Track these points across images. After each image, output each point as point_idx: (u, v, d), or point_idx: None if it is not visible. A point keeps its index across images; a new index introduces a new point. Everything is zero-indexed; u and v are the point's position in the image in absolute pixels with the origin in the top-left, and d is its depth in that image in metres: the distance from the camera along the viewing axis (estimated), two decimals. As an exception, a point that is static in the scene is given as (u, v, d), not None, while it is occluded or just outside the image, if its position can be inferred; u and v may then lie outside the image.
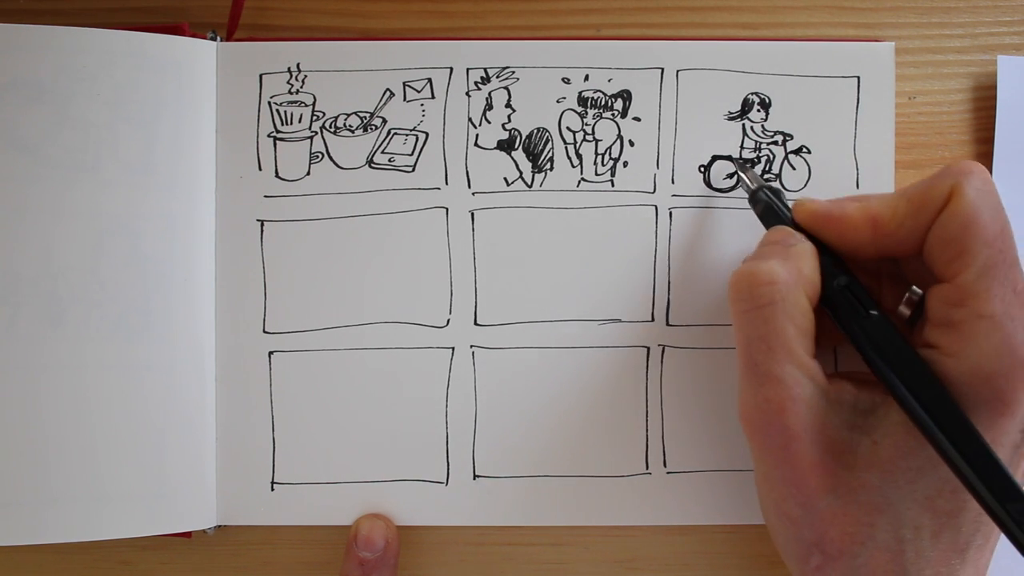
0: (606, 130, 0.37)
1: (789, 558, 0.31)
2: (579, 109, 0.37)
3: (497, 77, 0.37)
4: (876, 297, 0.33)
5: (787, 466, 0.29)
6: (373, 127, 0.37)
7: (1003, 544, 0.28)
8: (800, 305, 0.29)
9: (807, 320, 0.29)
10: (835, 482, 0.29)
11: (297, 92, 0.37)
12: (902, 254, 0.30)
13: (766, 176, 0.37)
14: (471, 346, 0.37)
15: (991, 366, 0.27)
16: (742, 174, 0.35)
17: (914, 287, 0.30)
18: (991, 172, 0.37)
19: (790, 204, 0.33)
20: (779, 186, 0.36)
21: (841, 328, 0.30)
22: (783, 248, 0.30)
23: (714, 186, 0.37)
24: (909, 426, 0.28)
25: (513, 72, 0.37)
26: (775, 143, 0.37)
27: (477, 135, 0.37)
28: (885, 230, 0.30)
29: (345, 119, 0.37)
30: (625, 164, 0.37)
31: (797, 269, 0.29)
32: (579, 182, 0.37)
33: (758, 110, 0.37)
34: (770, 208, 0.33)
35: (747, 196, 0.35)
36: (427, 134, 0.37)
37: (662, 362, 0.37)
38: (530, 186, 0.37)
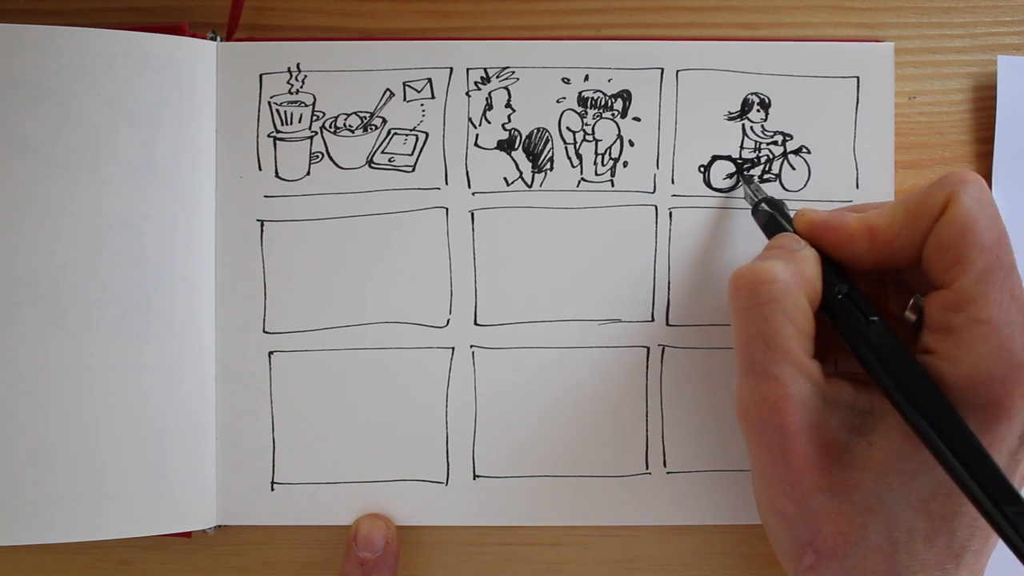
0: (606, 130, 0.37)
1: (783, 556, 0.31)
2: (579, 109, 0.37)
3: (497, 77, 0.37)
4: (882, 304, 0.33)
5: (782, 464, 0.29)
6: (373, 127, 0.37)
7: (1000, 549, 0.28)
8: (800, 305, 0.29)
9: (806, 321, 0.29)
10: (829, 481, 0.29)
11: (297, 92, 0.37)
12: (901, 263, 0.30)
13: (766, 176, 0.37)
14: (471, 346, 0.37)
15: (988, 371, 0.27)
16: (746, 186, 0.35)
17: (918, 295, 0.30)
18: (991, 172, 0.37)
19: (791, 215, 0.33)
20: (781, 198, 0.36)
21: (840, 335, 0.30)
22: (787, 252, 0.31)
23: (714, 186, 0.37)
24: (905, 429, 0.28)
25: (513, 72, 0.37)
26: (775, 143, 0.37)
27: (477, 135, 0.37)
28: (883, 239, 0.30)
29: (345, 119, 0.37)
30: (625, 164, 0.37)
31: (799, 271, 0.29)
32: (579, 182, 0.37)
33: (758, 110, 0.37)
34: (773, 219, 0.33)
35: (750, 207, 0.35)
36: (427, 134, 0.37)
37: (662, 362, 0.37)
38: (530, 186, 0.37)
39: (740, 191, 0.36)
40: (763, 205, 0.34)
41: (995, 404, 0.27)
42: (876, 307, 0.30)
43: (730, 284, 0.30)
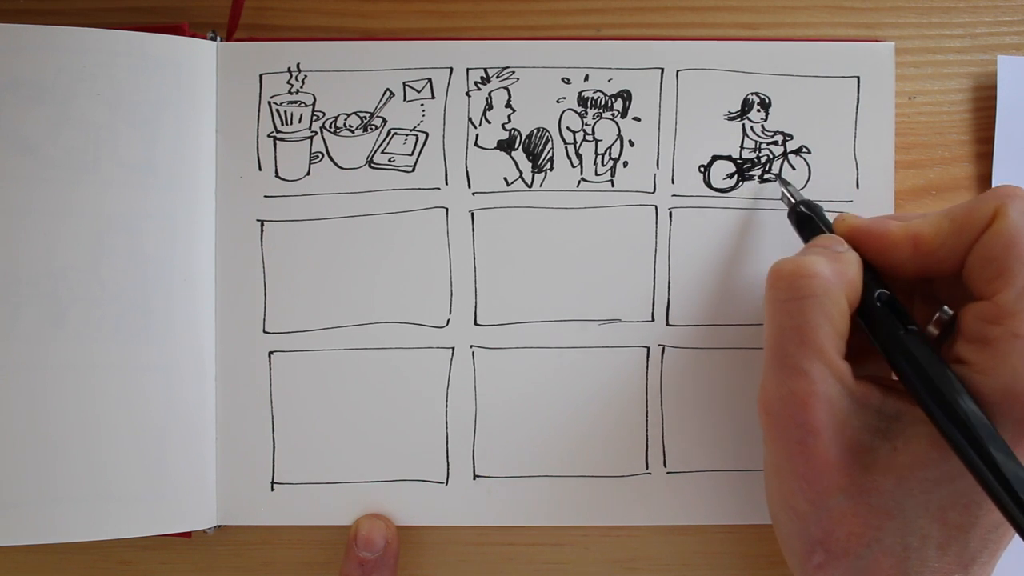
0: (606, 130, 0.37)
1: (790, 553, 0.31)
2: (579, 109, 0.37)
3: (497, 77, 0.37)
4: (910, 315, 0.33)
5: (802, 460, 0.29)
6: (373, 127, 0.37)
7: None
8: (839, 305, 0.29)
9: (843, 321, 0.29)
10: (849, 482, 0.29)
11: (297, 92, 0.37)
12: (941, 273, 0.30)
13: (766, 176, 0.37)
14: (471, 346, 0.37)
15: (1023, 386, 0.27)
16: (784, 188, 0.35)
17: (945, 307, 0.30)
18: (991, 172, 0.37)
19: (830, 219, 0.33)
20: (822, 200, 0.35)
21: (876, 340, 0.30)
22: (831, 251, 0.30)
23: (714, 186, 0.37)
24: (932, 437, 0.28)
25: (513, 72, 0.37)
26: (775, 143, 0.37)
27: (477, 135, 0.37)
28: (926, 248, 0.30)
29: (345, 119, 0.37)
30: (625, 164, 0.37)
31: (842, 270, 0.29)
32: (579, 182, 0.37)
33: (758, 110, 0.37)
34: (811, 221, 0.33)
35: (787, 209, 0.35)
36: (427, 134, 0.37)
37: (662, 362, 0.37)
38: (530, 186, 0.37)
39: (779, 197, 0.36)
40: (802, 207, 0.34)
41: None
42: None
43: (769, 275, 0.30)
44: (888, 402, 0.30)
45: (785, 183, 0.36)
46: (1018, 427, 0.27)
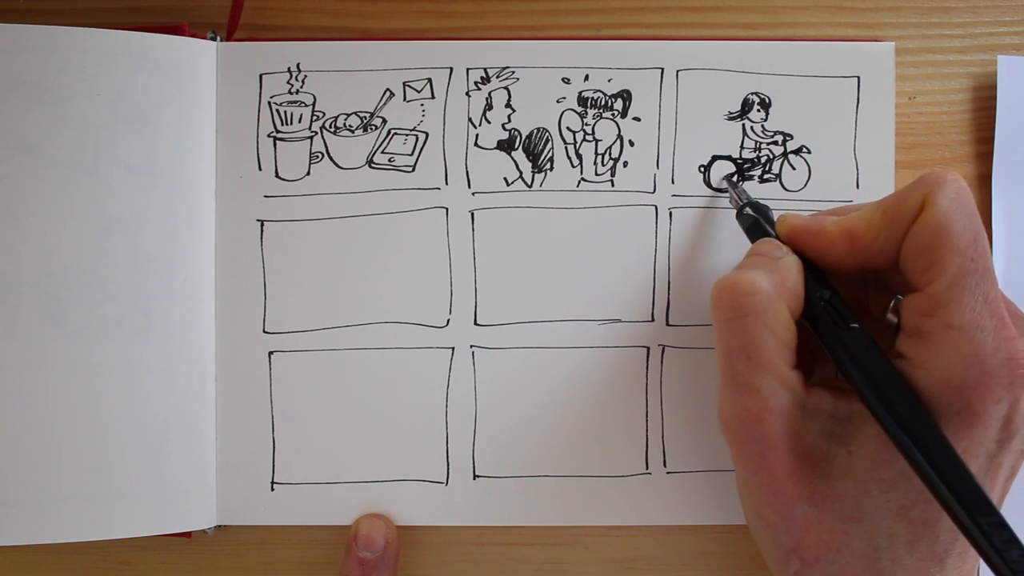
0: (606, 130, 0.37)
1: (770, 561, 0.31)
2: (579, 109, 0.37)
3: (497, 77, 0.37)
4: (864, 307, 0.33)
5: (764, 473, 0.29)
6: (373, 127, 0.37)
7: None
8: (781, 316, 0.29)
9: (788, 331, 0.29)
10: (811, 490, 0.29)
11: (297, 92, 0.37)
12: (880, 266, 0.30)
13: (766, 176, 0.37)
14: (471, 346, 0.37)
15: (960, 377, 0.27)
16: (731, 190, 0.35)
17: (899, 295, 0.30)
18: (991, 172, 0.37)
19: (775, 219, 0.33)
20: (767, 202, 0.35)
21: (820, 341, 0.30)
22: (769, 260, 0.30)
23: (714, 186, 0.37)
24: (884, 438, 0.28)
25: (513, 72, 0.37)
26: (775, 143, 0.37)
27: (477, 135, 0.37)
28: (861, 243, 0.30)
29: (345, 119, 0.37)
30: (625, 164, 0.37)
31: (780, 281, 0.29)
32: (579, 182, 0.37)
33: (758, 110, 0.37)
34: (756, 223, 0.33)
35: (735, 211, 0.35)
36: (427, 134, 0.37)
37: (662, 362, 0.37)
38: (530, 186, 0.37)
39: (727, 195, 0.36)
40: (747, 209, 0.34)
41: (967, 410, 0.27)
42: (858, 311, 0.30)
43: (712, 295, 0.30)
44: (840, 406, 0.30)
45: (733, 185, 0.36)
46: (958, 419, 0.27)
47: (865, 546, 0.28)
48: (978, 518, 0.25)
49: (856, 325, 0.29)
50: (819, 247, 0.30)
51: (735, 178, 0.36)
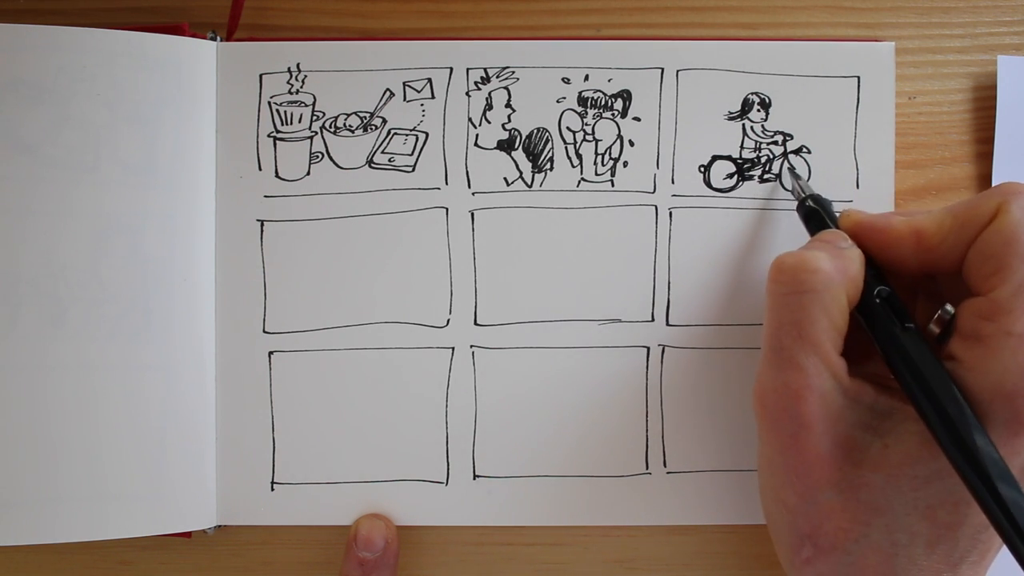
0: (606, 130, 0.37)
1: (781, 545, 0.31)
2: (579, 109, 0.37)
3: (497, 77, 0.37)
4: (911, 312, 0.33)
5: (793, 453, 0.29)
6: (373, 127, 0.37)
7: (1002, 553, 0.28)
8: (839, 301, 0.29)
9: (842, 318, 0.29)
10: (839, 477, 0.29)
11: (297, 92, 0.37)
12: (944, 270, 0.30)
13: (766, 176, 0.37)
14: (471, 346, 0.37)
15: (1012, 384, 0.27)
16: (795, 181, 0.35)
17: (947, 306, 0.30)
18: (991, 172, 0.37)
19: (837, 215, 0.33)
20: (827, 198, 0.35)
21: (874, 337, 0.30)
22: (834, 247, 0.30)
23: (714, 186, 0.37)
24: (923, 436, 0.28)
25: (513, 72, 0.37)
26: (775, 143, 0.37)
27: (477, 135, 0.37)
28: (929, 244, 0.30)
29: (345, 119, 0.37)
30: (625, 164, 0.37)
31: (844, 267, 0.29)
32: (579, 182, 0.37)
33: (758, 110, 0.37)
34: (818, 216, 0.33)
35: (795, 203, 0.35)
36: (427, 134, 0.37)
37: (662, 362, 0.37)
38: (530, 186, 0.37)
39: (788, 185, 0.36)
40: (810, 201, 0.34)
41: (1016, 419, 0.27)
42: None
43: (772, 268, 0.30)
44: (881, 400, 0.30)
45: (796, 176, 0.36)
46: (1008, 426, 0.27)
47: (884, 540, 0.28)
48: (1020, 523, 0.25)
49: (912, 325, 0.29)
50: (884, 244, 0.31)
51: (796, 170, 0.36)
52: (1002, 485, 0.26)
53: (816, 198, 0.34)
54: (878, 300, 0.30)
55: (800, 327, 0.29)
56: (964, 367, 0.28)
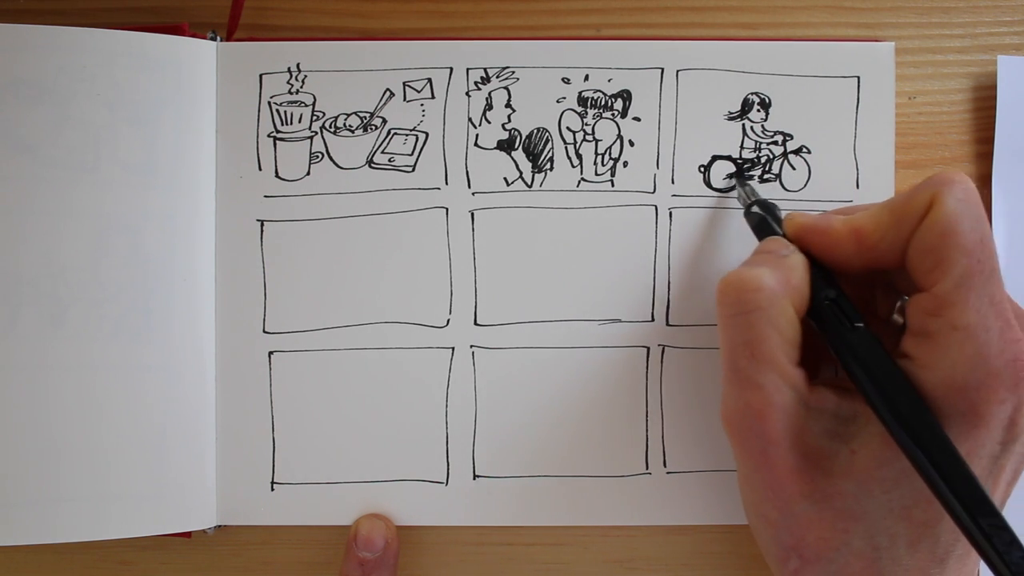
0: (606, 130, 0.37)
1: (770, 559, 0.31)
2: (579, 109, 0.37)
3: (497, 77, 0.37)
4: (870, 307, 0.33)
5: (765, 470, 0.29)
6: (373, 127, 0.37)
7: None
8: (786, 313, 0.29)
9: (792, 329, 0.29)
10: (812, 488, 0.29)
11: (297, 92, 0.37)
12: (887, 266, 0.30)
13: (766, 176, 0.37)
14: (471, 346, 0.37)
15: (964, 378, 0.27)
16: (740, 188, 0.35)
17: (905, 296, 0.30)
18: (991, 172, 0.37)
19: (782, 217, 0.33)
20: (775, 200, 0.35)
21: (826, 340, 0.30)
22: (775, 257, 0.30)
23: (714, 186, 0.37)
24: (886, 437, 0.28)
25: (513, 72, 0.37)
26: (775, 143, 0.37)
27: (477, 135, 0.37)
28: (868, 242, 0.29)
29: (345, 119, 0.37)
30: (625, 164, 0.37)
31: (786, 278, 0.29)
32: (579, 182, 0.37)
33: (758, 110, 0.37)
34: (764, 222, 0.33)
35: (742, 208, 0.35)
36: (427, 134, 0.37)
37: (662, 362, 0.37)
38: (530, 186, 0.37)
39: (735, 192, 0.36)
40: (755, 207, 0.34)
41: (972, 412, 0.27)
42: (864, 311, 0.30)
43: (717, 291, 0.30)
44: (843, 405, 0.30)
45: (742, 183, 0.36)
46: (962, 421, 0.27)
47: (865, 545, 0.28)
48: (980, 520, 0.25)
49: (861, 324, 0.29)
50: (826, 246, 0.30)
51: (743, 176, 0.36)
52: (958, 480, 0.26)
53: (762, 203, 0.34)
54: (826, 302, 0.30)
55: (752, 346, 0.29)
56: (917, 364, 0.28)
